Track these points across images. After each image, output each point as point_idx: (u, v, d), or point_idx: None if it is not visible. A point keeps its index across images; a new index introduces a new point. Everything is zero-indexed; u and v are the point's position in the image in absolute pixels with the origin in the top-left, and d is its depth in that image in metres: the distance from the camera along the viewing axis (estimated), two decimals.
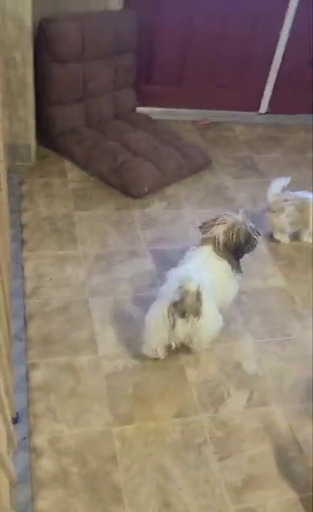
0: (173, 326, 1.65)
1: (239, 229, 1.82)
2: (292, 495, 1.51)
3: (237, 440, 1.62)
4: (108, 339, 1.87)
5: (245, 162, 3.07)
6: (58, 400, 1.65)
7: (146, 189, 2.56)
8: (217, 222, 1.85)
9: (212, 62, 3.22)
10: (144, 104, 3.19)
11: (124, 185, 2.58)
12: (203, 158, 2.92)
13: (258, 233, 1.89)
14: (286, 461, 1.59)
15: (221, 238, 1.81)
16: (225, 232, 1.82)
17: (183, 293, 1.60)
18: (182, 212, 2.58)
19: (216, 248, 1.83)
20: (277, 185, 2.40)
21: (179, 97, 3.33)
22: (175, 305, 1.62)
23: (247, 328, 2.01)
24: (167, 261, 2.24)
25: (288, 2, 3.10)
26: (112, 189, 2.62)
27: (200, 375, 1.80)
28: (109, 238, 2.32)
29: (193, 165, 2.84)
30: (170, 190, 2.71)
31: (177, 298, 1.61)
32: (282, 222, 2.41)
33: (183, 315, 1.63)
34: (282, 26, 3.19)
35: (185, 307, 1.62)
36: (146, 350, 1.77)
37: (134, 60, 2.90)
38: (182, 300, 1.61)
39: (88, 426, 1.60)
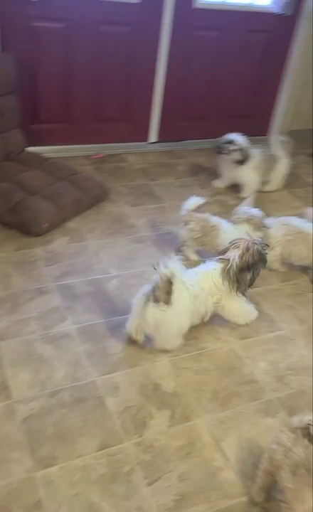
0: (145, 309, 1.83)
1: (254, 249, 1.97)
2: (224, 504, 1.52)
3: (164, 461, 1.62)
4: (21, 382, 1.80)
5: (141, 190, 3.18)
6: None
7: (45, 225, 2.56)
8: (232, 246, 2.00)
9: (96, 97, 3.34)
10: (34, 144, 3.22)
11: (23, 224, 2.56)
12: (101, 190, 2.98)
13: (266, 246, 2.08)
14: (213, 472, 1.60)
15: (236, 262, 1.95)
16: (240, 256, 1.96)
17: (159, 277, 1.75)
18: (86, 244, 2.60)
19: (224, 270, 1.97)
20: (191, 202, 2.49)
21: (68, 134, 3.40)
22: (153, 289, 1.79)
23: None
24: (75, 294, 2.24)
25: (161, 35, 3.32)
26: (9, 230, 2.58)
27: (120, 402, 1.79)
28: (12, 279, 2.28)
29: (91, 197, 2.89)
30: (71, 225, 2.73)
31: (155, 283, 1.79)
32: (186, 234, 2.51)
33: (156, 300, 1.80)
34: (157, 59, 3.39)
35: (157, 292, 1.78)
36: (127, 328, 1.97)
37: (16, 101, 2.93)
38: (156, 285, 1.77)
39: (9, 476, 1.52)
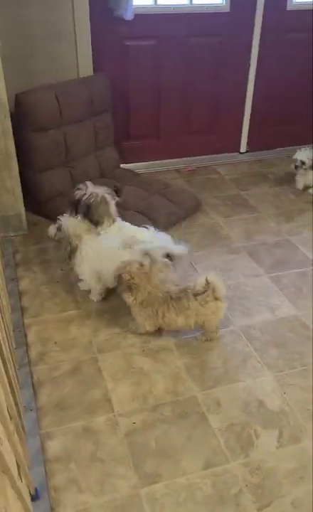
0: None
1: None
2: None
3: (275, 484, 1.51)
4: (122, 396, 1.79)
5: (234, 200, 3.10)
6: (79, 468, 1.56)
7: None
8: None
9: (185, 110, 3.35)
10: (127, 161, 3.29)
11: None
12: (193, 201, 2.95)
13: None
14: None
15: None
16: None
17: None
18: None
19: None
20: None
21: (159, 149, 3.44)
22: None
23: (265, 363, 1.93)
24: None
25: (251, 43, 3.27)
26: None
27: (223, 419, 1.71)
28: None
29: (184, 209, 2.87)
30: None
31: None
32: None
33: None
34: (247, 66, 3.34)
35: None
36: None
37: (111, 120, 3.03)
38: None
39: (115, 492, 1.50)
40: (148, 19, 3.00)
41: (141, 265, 1.86)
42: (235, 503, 1.46)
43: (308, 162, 3.10)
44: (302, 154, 3.10)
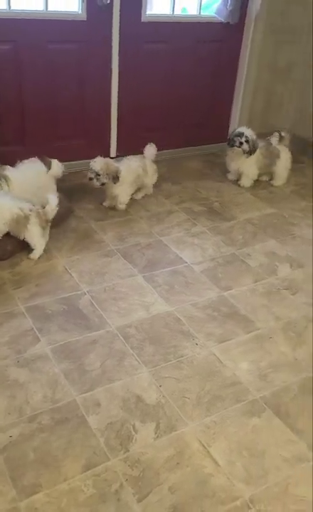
0: None
1: None
2: (219, 510, 1.47)
3: (153, 474, 1.57)
4: None
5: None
6: None
7: (9, 247, 2.51)
8: None
9: (51, 116, 3.32)
10: None
11: None
12: (64, 208, 2.94)
13: None
14: (204, 479, 1.56)
15: None
16: None
17: None
18: (54, 263, 2.55)
19: None
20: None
21: (26, 155, 3.36)
22: None
23: (142, 359, 2.00)
24: (47, 314, 2.18)
25: (111, 51, 3.34)
26: None
27: (102, 419, 1.73)
28: None
29: (56, 215, 2.84)
30: None
31: None
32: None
33: None
34: (109, 74, 3.41)
35: None
36: None
37: None
38: None
39: None
40: (3, 24, 2.94)
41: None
42: (116, 498, 1.49)
43: (248, 134, 3.25)
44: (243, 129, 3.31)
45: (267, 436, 1.71)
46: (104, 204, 3.11)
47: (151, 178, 3.21)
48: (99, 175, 2.90)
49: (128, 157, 3.14)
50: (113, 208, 3.09)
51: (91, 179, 2.93)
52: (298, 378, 1.96)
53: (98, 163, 2.90)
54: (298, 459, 1.64)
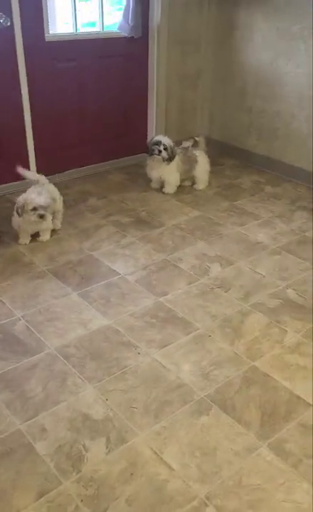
0: None
1: None
2: None
3: (109, 489, 1.54)
4: None
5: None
6: None
7: None
8: None
9: None
10: None
11: None
12: None
13: None
14: (160, 486, 1.55)
15: None
16: None
17: None
18: None
19: None
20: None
21: None
22: None
23: (85, 376, 1.98)
24: None
25: (18, 70, 3.32)
26: None
27: (50, 443, 1.69)
28: None
29: None
30: None
31: None
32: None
33: None
34: (19, 96, 3.38)
35: None
36: None
37: None
38: None
39: None
40: None
41: None
42: None
43: (166, 142, 3.34)
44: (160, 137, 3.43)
45: (216, 433, 1.74)
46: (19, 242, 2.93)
47: (60, 204, 3.08)
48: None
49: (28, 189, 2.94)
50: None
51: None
52: (240, 372, 2.01)
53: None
54: (248, 450, 1.68)
